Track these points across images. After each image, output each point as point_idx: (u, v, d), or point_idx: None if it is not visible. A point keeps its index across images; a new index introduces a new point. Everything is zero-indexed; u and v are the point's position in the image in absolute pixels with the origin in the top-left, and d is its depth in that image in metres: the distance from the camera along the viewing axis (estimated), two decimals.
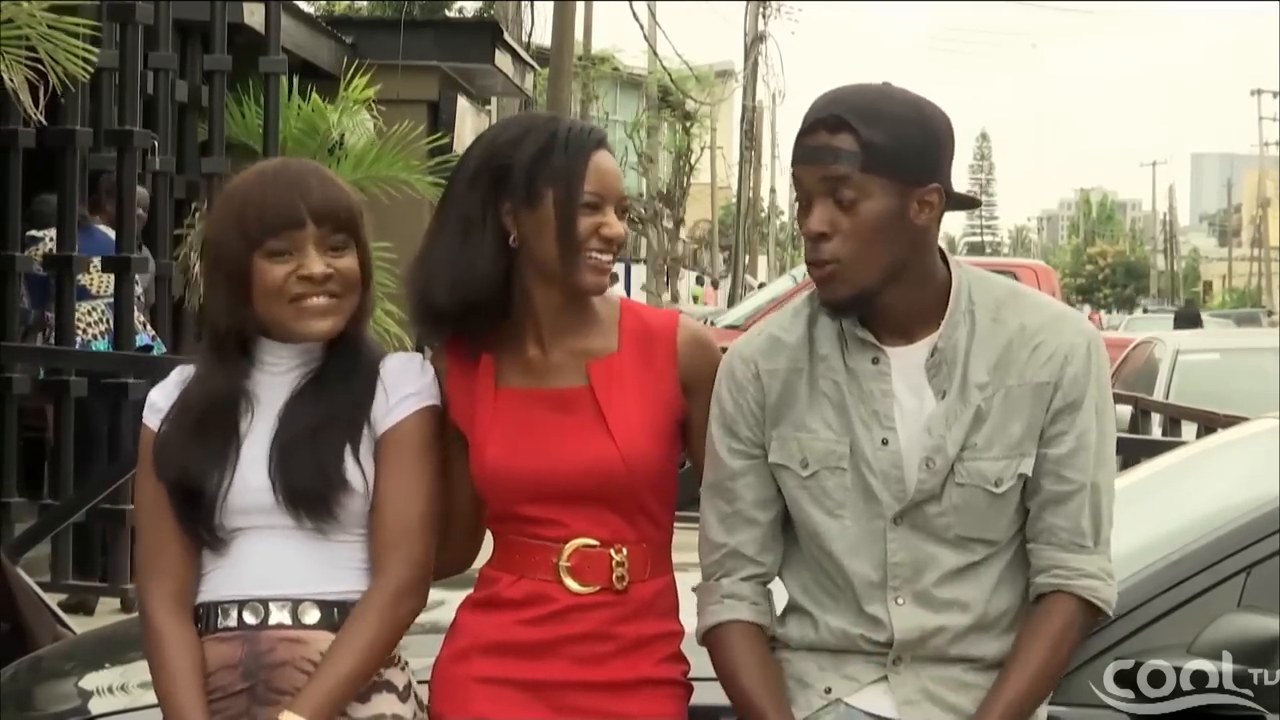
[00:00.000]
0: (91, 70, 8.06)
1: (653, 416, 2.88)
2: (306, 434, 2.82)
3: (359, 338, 2.90)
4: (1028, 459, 2.74)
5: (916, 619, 2.75)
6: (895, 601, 2.75)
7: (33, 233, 8.66)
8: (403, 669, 2.88)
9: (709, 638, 2.85)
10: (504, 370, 2.91)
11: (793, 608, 2.86)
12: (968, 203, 2.88)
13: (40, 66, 7.51)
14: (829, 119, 2.70)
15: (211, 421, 2.84)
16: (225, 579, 2.84)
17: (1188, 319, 30.61)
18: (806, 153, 2.72)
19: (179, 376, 2.93)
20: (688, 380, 2.90)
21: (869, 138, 2.67)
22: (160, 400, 2.92)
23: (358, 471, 2.82)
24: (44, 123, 7.87)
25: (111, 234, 8.71)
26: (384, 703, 2.82)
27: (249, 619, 2.81)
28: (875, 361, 2.75)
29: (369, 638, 2.78)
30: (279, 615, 2.81)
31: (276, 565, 2.82)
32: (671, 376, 2.90)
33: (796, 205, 2.80)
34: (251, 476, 2.81)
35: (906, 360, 2.75)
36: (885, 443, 2.74)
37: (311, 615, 2.81)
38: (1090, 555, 2.76)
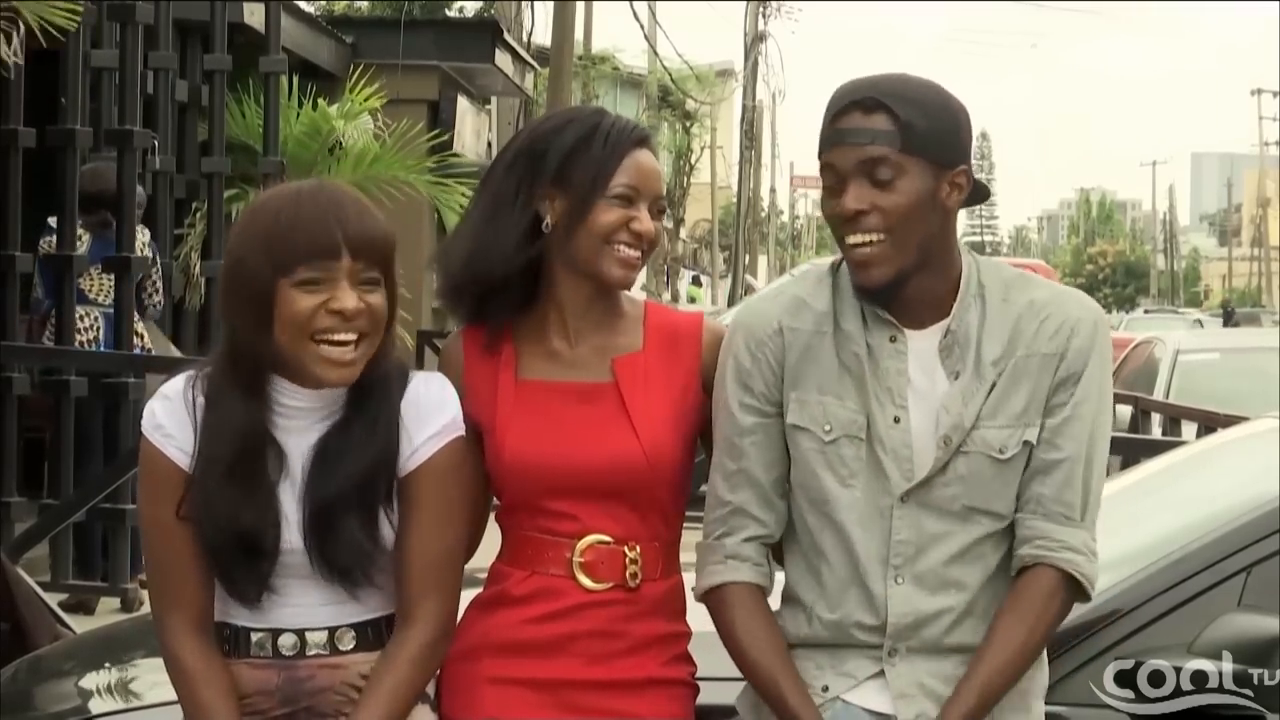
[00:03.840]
0: (78, 20, 8.01)
1: (675, 415, 2.88)
2: (340, 504, 2.68)
3: (383, 375, 2.74)
4: (1032, 428, 2.76)
5: (912, 602, 2.75)
6: (895, 580, 2.76)
7: (52, 221, 8.63)
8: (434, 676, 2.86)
9: (710, 597, 2.85)
10: (526, 362, 2.91)
11: (787, 599, 2.86)
12: (981, 192, 2.91)
13: (12, 13, 7.47)
14: (865, 100, 2.72)
15: (248, 468, 2.67)
16: (257, 612, 2.74)
17: (1231, 317, 30.94)
18: (841, 135, 2.74)
19: (184, 390, 2.73)
20: (710, 380, 2.90)
21: (907, 118, 2.70)
22: (167, 421, 2.72)
23: (389, 526, 2.73)
24: (21, 63, 7.81)
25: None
26: (421, 715, 2.80)
27: (285, 649, 2.75)
28: (893, 340, 2.78)
29: (403, 691, 2.71)
30: (316, 646, 2.75)
31: (312, 603, 2.74)
32: (695, 377, 2.91)
33: (823, 193, 2.78)
34: (288, 540, 2.69)
35: (920, 344, 2.78)
36: (897, 420, 2.76)
37: (348, 641, 2.76)
38: (1074, 529, 2.76)
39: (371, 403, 2.72)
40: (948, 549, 2.75)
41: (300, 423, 2.72)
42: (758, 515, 2.83)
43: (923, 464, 2.75)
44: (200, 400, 2.72)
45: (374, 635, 2.77)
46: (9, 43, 7.52)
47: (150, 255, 8.66)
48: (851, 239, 2.73)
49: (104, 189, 8.55)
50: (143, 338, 8.60)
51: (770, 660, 2.78)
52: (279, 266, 2.63)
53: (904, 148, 2.70)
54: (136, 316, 8.52)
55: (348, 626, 2.76)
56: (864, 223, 2.72)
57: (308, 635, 2.75)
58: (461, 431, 2.79)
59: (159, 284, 8.74)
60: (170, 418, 2.72)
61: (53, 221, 8.56)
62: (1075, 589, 2.76)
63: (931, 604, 2.75)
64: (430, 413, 2.76)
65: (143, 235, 8.72)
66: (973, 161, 2.82)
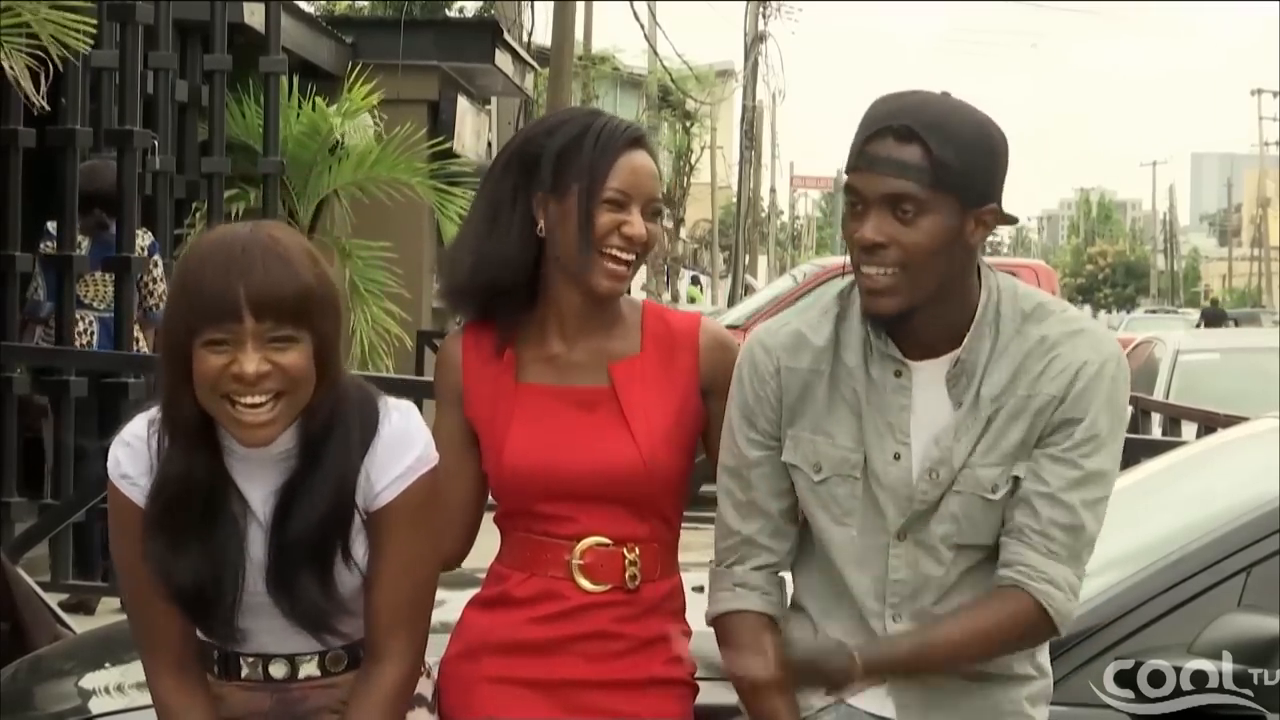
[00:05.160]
0: (92, 44, 8.02)
1: (673, 420, 2.88)
2: (297, 557, 2.63)
3: (333, 422, 2.64)
4: (1022, 463, 2.69)
5: None
6: (892, 619, 2.74)
7: (51, 227, 8.63)
8: (429, 677, 2.86)
9: (717, 624, 2.84)
10: (525, 365, 2.90)
11: (795, 606, 2.86)
12: (1007, 220, 2.85)
13: (39, 53, 7.48)
14: (900, 129, 2.62)
15: (201, 514, 2.63)
16: (245, 639, 2.71)
17: (1216, 318, 30.70)
18: (871, 161, 2.65)
19: (146, 436, 2.67)
20: (709, 382, 2.90)
21: (941, 155, 2.61)
22: (128, 465, 2.68)
23: (351, 572, 2.67)
24: (47, 108, 7.82)
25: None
26: (419, 716, 2.79)
27: (276, 674, 2.72)
28: (898, 374, 2.73)
29: None
30: (307, 669, 2.73)
31: (296, 634, 2.71)
32: (692, 379, 2.90)
33: (845, 209, 2.71)
34: (254, 585, 2.66)
35: (928, 374, 2.73)
36: (897, 457, 2.72)
37: (340, 663, 2.74)
38: (1057, 563, 2.67)
39: (325, 451, 2.64)
40: (943, 585, 2.74)
41: (256, 469, 2.66)
42: (768, 545, 2.82)
43: (916, 496, 2.72)
44: (165, 444, 2.67)
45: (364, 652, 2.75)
46: (37, 86, 7.51)
47: (152, 257, 8.66)
48: (866, 269, 2.67)
49: (99, 187, 8.55)
50: (138, 342, 8.59)
51: (770, 698, 2.75)
52: (189, 327, 2.57)
53: (933, 185, 2.61)
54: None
55: (340, 650, 2.74)
56: (881, 256, 2.65)
57: (299, 661, 2.73)
58: (431, 464, 2.70)
59: (158, 286, 8.72)
60: (133, 464, 2.68)
61: (51, 227, 8.56)
62: (1046, 622, 2.69)
63: None
64: (395, 454, 2.67)
65: (143, 238, 8.72)
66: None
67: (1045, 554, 2.67)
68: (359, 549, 2.67)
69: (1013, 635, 2.70)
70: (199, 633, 2.73)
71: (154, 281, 8.68)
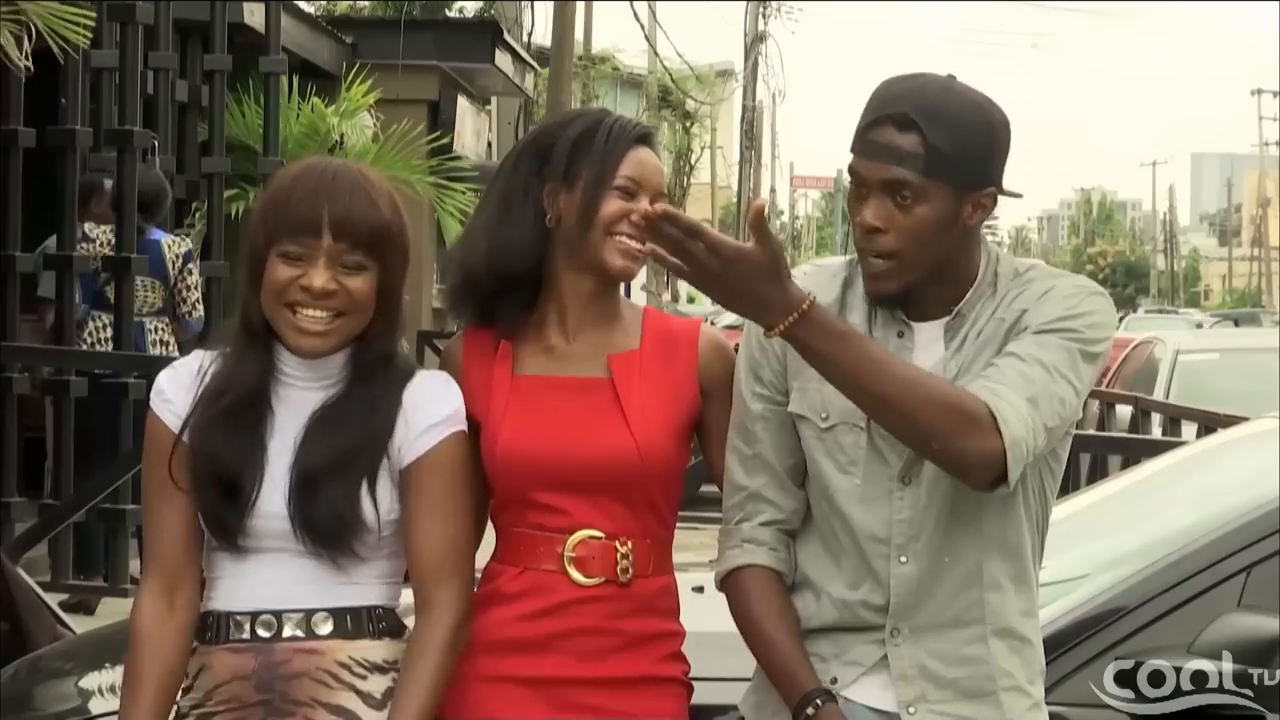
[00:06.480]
0: (90, 36, 8.04)
1: (670, 413, 2.90)
2: (325, 470, 2.75)
3: (383, 359, 2.82)
4: None
5: (914, 579, 2.75)
6: (899, 560, 2.76)
7: (87, 228, 8.65)
8: None
9: (726, 581, 2.85)
10: (523, 358, 2.93)
11: (797, 586, 2.86)
12: (1010, 195, 2.90)
13: (22, 18, 7.49)
14: (897, 116, 2.71)
15: (242, 413, 2.77)
16: (239, 590, 2.79)
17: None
18: (870, 148, 2.73)
19: (193, 363, 2.84)
20: (706, 384, 2.93)
21: (935, 142, 2.68)
22: (169, 389, 2.83)
23: (372, 507, 2.76)
24: (30, 69, 7.82)
25: (155, 237, 8.70)
26: None
27: (262, 632, 2.78)
28: (900, 335, 2.79)
29: (437, 676, 2.74)
30: (292, 628, 2.77)
31: (291, 581, 2.77)
32: (691, 379, 2.93)
33: (849, 190, 2.80)
34: (271, 501, 2.76)
35: (929, 334, 2.79)
36: None
37: (325, 626, 2.78)
38: (1010, 389, 2.65)
39: (370, 382, 2.80)
40: (947, 524, 2.75)
41: (298, 392, 2.80)
42: (774, 499, 2.84)
43: None
44: (210, 370, 2.82)
45: (352, 624, 2.79)
46: (20, 47, 7.52)
47: (188, 265, 8.70)
48: (865, 249, 2.76)
49: (143, 190, 8.60)
50: (167, 346, 8.62)
51: (784, 642, 2.78)
52: (269, 236, 2.76)
53: (927, 172, 2.69)
54: (163, 326, 8.55)
55: (325, 611, 2.78)
56: (879, 240, 2.73)
57: (284, 617, 2.78)
58: (464, 427, 2.83)
59: (191, 293, 8.74)
60: (173, 385, 2.84)
61: (86, 229, 8.61)
62: (989, 422, 2.61)
63: (933, 579, 2.75)
64: (432, 403, 2.81)
65: (178, 246, 8.76)
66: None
67: (997, 380, 2.67)
68: (384, 493, 2.77)
69: (952, 412, 2.62)
70: (211, 536, 2.79)
71: (188, 289, 8.74)
